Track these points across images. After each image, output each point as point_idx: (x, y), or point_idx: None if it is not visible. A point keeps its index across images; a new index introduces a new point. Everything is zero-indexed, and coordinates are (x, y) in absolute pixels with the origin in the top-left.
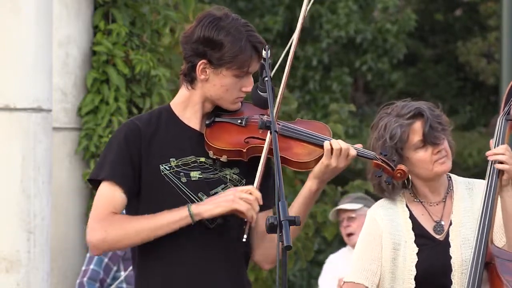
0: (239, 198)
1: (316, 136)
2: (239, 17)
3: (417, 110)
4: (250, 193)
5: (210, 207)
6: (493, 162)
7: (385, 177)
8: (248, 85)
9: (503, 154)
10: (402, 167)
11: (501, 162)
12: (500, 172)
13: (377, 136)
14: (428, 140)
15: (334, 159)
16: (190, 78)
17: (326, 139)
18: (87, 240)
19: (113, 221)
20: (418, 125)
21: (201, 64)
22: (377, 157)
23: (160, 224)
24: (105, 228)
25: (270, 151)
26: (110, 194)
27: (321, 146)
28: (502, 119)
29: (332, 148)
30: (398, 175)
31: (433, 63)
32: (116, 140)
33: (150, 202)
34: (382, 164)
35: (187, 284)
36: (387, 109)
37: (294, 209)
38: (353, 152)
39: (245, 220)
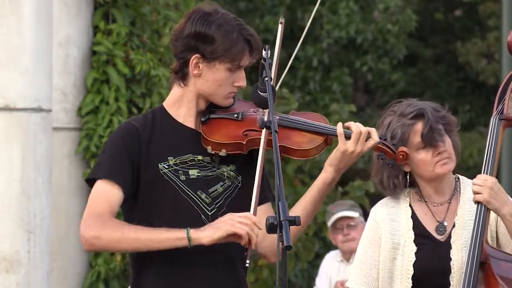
0: (237, 222)
1: (315, 125)
2: (229, 12)
3: (419, 111)
4: (247, 218)
5: (209, 233)
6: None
7: (388, 160)
8: (240, 80)
9: (479, 185)
10: (404, 149)
11: (477, 192)
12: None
13: (380, 134)
14: (427, 141)
15: (352, 144)
16: (182, 75)
17: (326, 127)
18: (80, 234)
19: (110, 221)
20: (419, 126)
21: (194, 58)
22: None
23: (156, 238)
24: (100, 226)
25: (267, 145)
26: (106, 191)
27: (321, 134)
28: (496, 118)
29: (346, 133)
30: (400, 156)
31: (433, 63)
32: (113, 141)
33: (150, 202)
34: (383, 147)
35: (185, 283)
36: (394, 107)
37: (304, 202)
38: (374, 134)
39: (246, 246)
